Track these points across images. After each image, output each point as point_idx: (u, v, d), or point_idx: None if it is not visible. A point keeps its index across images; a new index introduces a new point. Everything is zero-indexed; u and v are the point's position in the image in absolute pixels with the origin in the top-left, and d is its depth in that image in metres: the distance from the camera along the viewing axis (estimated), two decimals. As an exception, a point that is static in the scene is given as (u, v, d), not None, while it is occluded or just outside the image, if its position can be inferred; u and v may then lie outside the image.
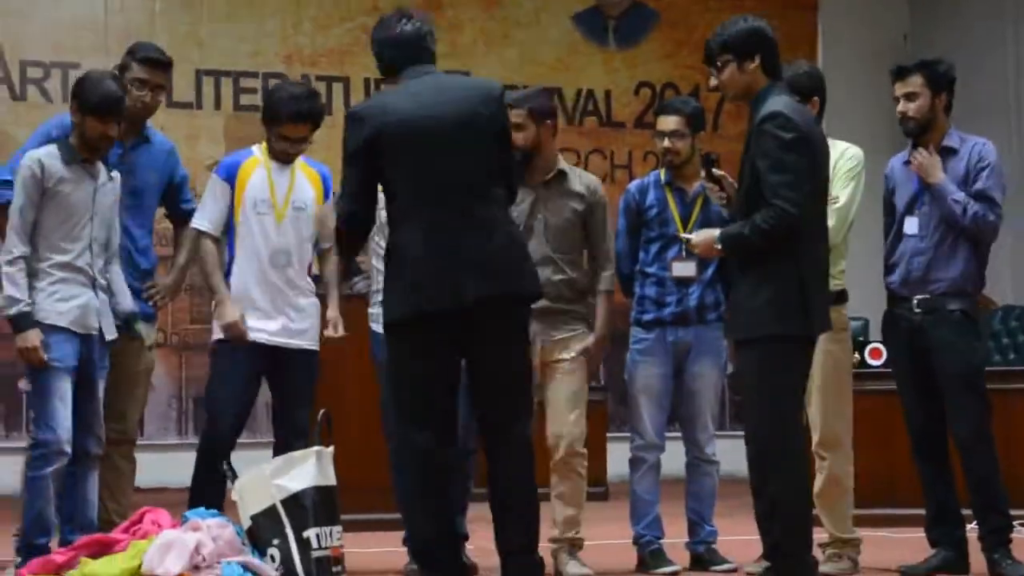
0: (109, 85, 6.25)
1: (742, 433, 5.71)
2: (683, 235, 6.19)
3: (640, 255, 6.97)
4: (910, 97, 6.60)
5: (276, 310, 6.58)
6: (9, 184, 6.50)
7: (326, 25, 12.97)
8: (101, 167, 6.36)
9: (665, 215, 6.94)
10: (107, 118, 6.20)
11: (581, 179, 6.83)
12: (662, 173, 7.03)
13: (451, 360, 5.54)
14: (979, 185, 6.55)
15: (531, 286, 5.65)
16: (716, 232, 5.78)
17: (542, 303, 6.13)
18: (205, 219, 6.63)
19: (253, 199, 6.58)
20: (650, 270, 6.94)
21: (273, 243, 6.58)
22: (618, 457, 10.53)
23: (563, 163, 6.82)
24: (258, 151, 6.71)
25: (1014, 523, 6.57)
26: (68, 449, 6.12)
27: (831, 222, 6.07)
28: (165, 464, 10.13)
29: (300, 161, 6.73)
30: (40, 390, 6.18)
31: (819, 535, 6.20)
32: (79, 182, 6.24)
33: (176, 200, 7.12)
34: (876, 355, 9.10)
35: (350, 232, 5.66)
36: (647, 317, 6.94)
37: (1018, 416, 8.73)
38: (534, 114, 6.65)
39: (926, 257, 6.62)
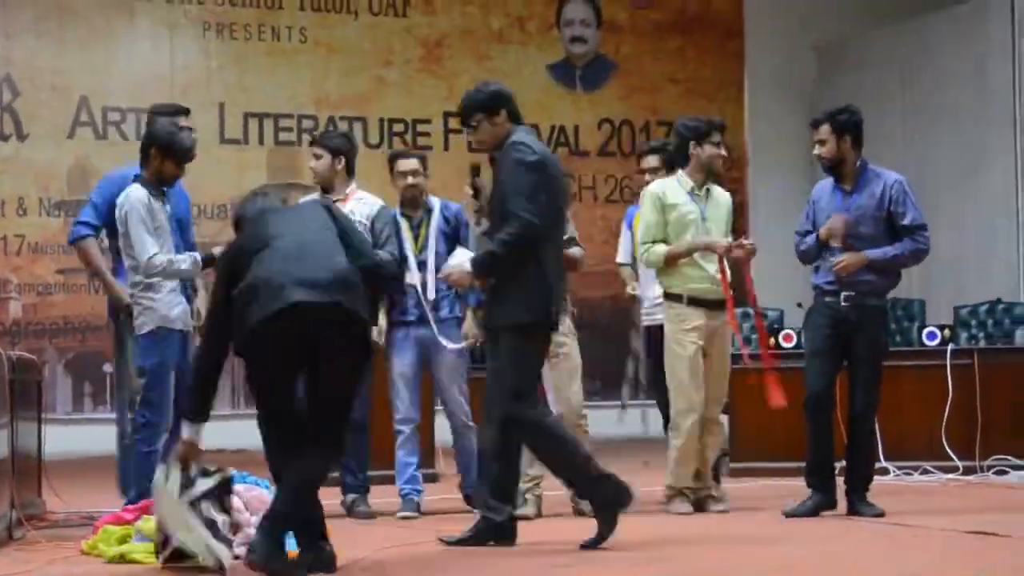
0: (187, 138, 6.31)
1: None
2: (443, 270, 5.90)
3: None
4: (821, 143, 6.50)
5: None
6: (85, 224, 6.69)
7: (348, 75, 12.88)
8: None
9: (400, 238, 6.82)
10: (183, 162, 6.25)
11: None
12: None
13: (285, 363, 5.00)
14: (906, 220, 6.49)
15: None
16: (467, 262, 5.61)
17: None
18: None
19: None
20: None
21: None
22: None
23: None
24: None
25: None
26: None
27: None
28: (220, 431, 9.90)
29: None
30: (156, 380, 6.11)
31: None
32: (162, 209, 6.22)
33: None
34: (788, 339, 8.88)
35: None
36: (400, 319, 6.84)
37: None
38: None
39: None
